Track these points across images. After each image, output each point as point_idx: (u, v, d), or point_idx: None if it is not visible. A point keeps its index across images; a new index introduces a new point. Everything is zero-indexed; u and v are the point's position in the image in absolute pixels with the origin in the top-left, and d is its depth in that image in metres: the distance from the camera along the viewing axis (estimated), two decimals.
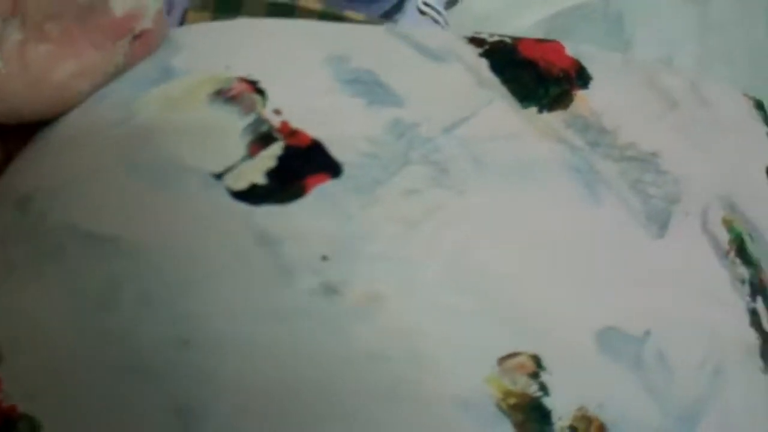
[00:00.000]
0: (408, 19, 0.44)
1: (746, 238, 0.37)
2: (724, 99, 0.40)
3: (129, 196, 0.28)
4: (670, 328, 0.32)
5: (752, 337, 0.35)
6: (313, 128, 0.31)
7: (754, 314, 0.36)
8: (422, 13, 0.45)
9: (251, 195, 0.28)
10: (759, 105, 0.42)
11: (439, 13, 0.46)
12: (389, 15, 0.44)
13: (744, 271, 0.36)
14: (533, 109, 0.35)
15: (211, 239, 0.28)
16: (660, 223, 0.34)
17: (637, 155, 0.35)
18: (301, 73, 0.33)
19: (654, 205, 0.34)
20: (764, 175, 0.40)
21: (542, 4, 0.48)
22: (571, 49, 0.38)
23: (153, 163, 0.28)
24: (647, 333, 0.31)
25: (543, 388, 0.28)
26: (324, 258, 0.29)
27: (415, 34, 0.36)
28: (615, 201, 0.34)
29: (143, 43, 0.29)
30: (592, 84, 0.37)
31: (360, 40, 0.35)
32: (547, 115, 0.35)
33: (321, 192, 0.29)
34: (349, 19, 0.40)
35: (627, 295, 0.32)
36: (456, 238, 0.30)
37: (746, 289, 0.36)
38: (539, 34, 0.48)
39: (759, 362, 0.35)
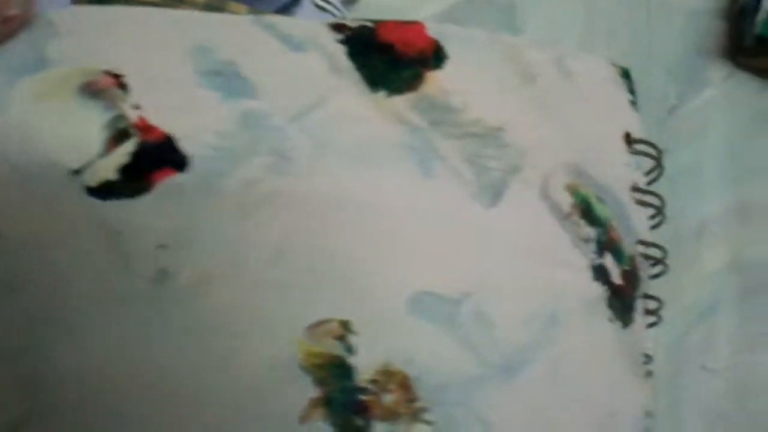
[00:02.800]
0: (305, 14, 0.47)
1: (593, 201, 0.41)
2: (589, 70, 0.44)
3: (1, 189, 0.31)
4: (493, 288, 0.35)
5: (597, 291, 0.39)
6: (167, 123, 0.33)
7: (600, 269, 0.39)
8: (322, 9, 0.49)
9: (104, 191, 0.31)
10: (625, 74, 0.45)
11: (337, 9, 0.49)
12: (287, 9, 0.47)
13: (590, 231, 0.40)
14: (382, 93, 0.38)
15: (62, 234, 0.31)
16: (493, 192, 0.37)
17: (480, 131, 0.39)
18: (164, 66, 0.35)
19: (490, 176, 0.38)
20: (621, 140, 0.44)
21: None
22: (433, 29, 0.40)
23: (22, 157, 0.31)
24: (466, 294, 0.34)
25: (348, 348, 0.32)
26: (161, 247, 0.32)
27: (281, 23, 0.38)
28: (448, 175, 0.37)
29: (9, 28, 0.31)
30: (448, 63, 0.40)
31: (226, 31, 0.37)
32: (395, 99, 0.38)
33: (166, 186, 0.32)
34: (232, 11, 0.42)
35: (448, 261, 0.35)
36: (289, 221, 0.33)
37: (591, 246, 0.40)
38: None
39: (606, 312, 0.39)
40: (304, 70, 0.37)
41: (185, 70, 0.35)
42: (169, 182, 0.33)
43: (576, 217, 0.39)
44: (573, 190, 0.39)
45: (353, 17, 0.50)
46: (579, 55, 0.44)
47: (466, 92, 0.39)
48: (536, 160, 0.39)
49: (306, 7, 0.49)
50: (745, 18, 0.49)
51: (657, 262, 0.42)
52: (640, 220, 0.42)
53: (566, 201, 0.39)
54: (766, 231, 0.48)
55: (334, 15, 0.49)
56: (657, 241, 0.47)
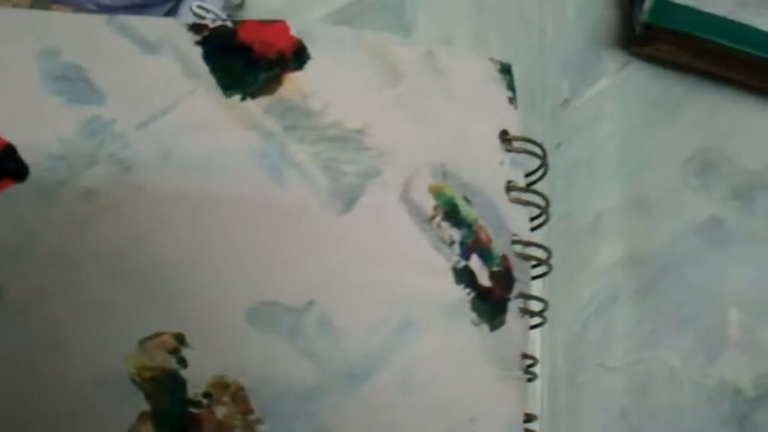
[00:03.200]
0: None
1: (459, 202, 0.40)
2: (462, 66, 0.43)
3: None
4: (339, 296, 0.35)
5: (459, 294, 0.38)
6: (10, 132, 0.33)
7: (464, 272, 0.39)
8: (200, 17, 0.48)
9: None
10: (505, 69, 0.44)
11: (218, 17, 0.48)
12: None
13: (454, 233, 0.39)
14: (236, 98, 0.37)
15: None
16: (347, 198, 0.37)
17: (338, 134, 0.38)
18: (11, 73, 0.34)
19: (345, 182, 0.37)
20: (496, 138, 0.43)
21: None
22: (297, 29, 0.39)
23: None
24: (311, 303, 0.34)
25: (181, 361, 0.32)
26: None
27: (137, 24, 0.37)
28: (299, 182, 0.36)
29: None
30: (309, 64, 0.39)
31: (77, 33, 0.36)
32: (249, 103, 0.37)
33: (3, 197, 0.32)
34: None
35: (292, 270, 0.34)
36: (126, 233, 0.33)
37: (455, 249, 0.39)
38: None
39: (470, 315, 0.39)
40: (156, 74, 0.36)
41: (30, 75, 0.34)
42: (6, 193, 0.32)
43: (439, 220, 0.38)
44: (437, 192, 0.39)
45: None
46: (453, 52, 0.44)
47: (326, 94, 0.38)
48: (398, 163, 0.38)
49: (184, 17, 0.48)
50: (634, 6, 0.48)
51: (540, 262, 0.42)
52: (517, 219, 0.41)
53: (429, 203, 0.38)
54: (661, 223, 0.47)
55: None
56: (551, 238, 0.46)
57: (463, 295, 0.38)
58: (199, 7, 0.48)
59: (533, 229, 0.43)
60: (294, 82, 0.38)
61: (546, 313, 0.43)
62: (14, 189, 0.32)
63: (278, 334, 0.33)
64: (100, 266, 0.32)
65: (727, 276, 0.47)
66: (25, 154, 0.33)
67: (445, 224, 0.38)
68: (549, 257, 0.43)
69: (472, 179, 0.40)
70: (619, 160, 0.49)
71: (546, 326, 0.45)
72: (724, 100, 0.51)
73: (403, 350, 0.35)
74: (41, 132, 0.33)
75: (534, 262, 0.42)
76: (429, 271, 0.37)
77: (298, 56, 0.38)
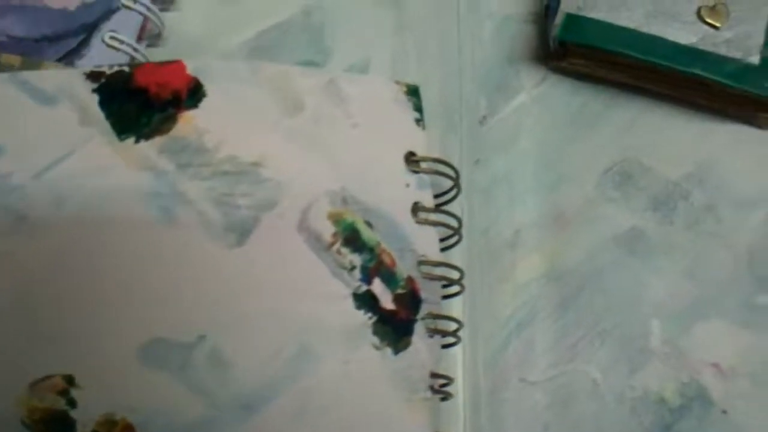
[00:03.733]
0: (96, 54, 0.47)
1: (360, 227, 0.40)
2: (365, 92, 0.43)
3: None
4: (231, 329, 0.36)
5: (359, 319, 0.39)
6: None
7: (365, 297, 0.39)
8: (114, 48, 0.48)
9: None
10: (412, 91, 0.45)
11: (134, 48, 0.49)
12: (78, 51, 0.47)
13: (354, 258, 0.40)
14: (131, 140, 0.38)
15: None
16: (241, 231, 0.37)
17: (233, 169, 0.39)
18: None
19: (239, 215, 0.38)
20: (401, 160, 0.43)
21: (246, 24, 0.52)
22: (193, 67, 0.41)
23: None
24: (201, 337, 0.35)
25: (71, 402, 0.33)
26: None
27: (35, 78, 0.39)
28: (191, 218, 0.37)
29: None
30: (205, 102, 0.40)
31: None
32: (143, 144, 0.38)
33: None
34: (2, 63, 0.42)
35: (183, 306, 0.35)
36: (21, 281, 0.34)
37: (356, 274, 0.39)
38: (244, 55, 0.52)
39: (371, 339, 0.39)
40: (53, 125, 0.37)
41: None
42: None
43: (338, 246, 0.39)
44: (336, 218, 0.39)
45: (156, 55, 0.49)
46: (356, 78, 0.44)
47: (222, 130, 0.39)
48: (295, 192, 0.39)
49: (96, 48, 0.48)
50: (548, 22, 0.48)
51: (452, 282, 0.42)
52: (425, 239, 0.41)
53: (328, 230, 0.39)
54: (580, 236, 0.47)
55: (128, 54, 0.48)
56: (471, 255, 0.46)
57: (363, 319, 0.38)
58: (112, 38, 0.48)
59: (447, 248, 0.44)
60: (189, 120, 0.39)
61: (465, 331, 0.43)
62: None
63: (168, 370, 0.34)
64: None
65: (648, 286, 0.48)
66: None
67: (345, 250, 0.39)
68: (461, 277, 0.43)
69: (375, 203, 0.40)
70: (537, 175, 0.49)
71: (467, 344, 0.45)
72: (641, 112, 0.51)
73: (300, 378, 0.35)
74: None
75: (445, 282, 0.42)
76: (327, 298, 0.37)
77: (193, 94, 0.39)
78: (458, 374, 0.44)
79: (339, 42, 0.52)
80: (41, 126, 0.37)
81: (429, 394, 0.39)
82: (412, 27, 0.52)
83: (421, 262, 0.41)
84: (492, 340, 0.47)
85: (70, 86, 0.38)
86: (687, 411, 0.46)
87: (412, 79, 0.46)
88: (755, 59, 0.47)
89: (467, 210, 0.48)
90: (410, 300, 0.40)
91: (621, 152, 0.50)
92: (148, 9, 0.51)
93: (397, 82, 0.44)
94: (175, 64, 0.40)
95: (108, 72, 0.39)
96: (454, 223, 0.43)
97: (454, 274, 0.42)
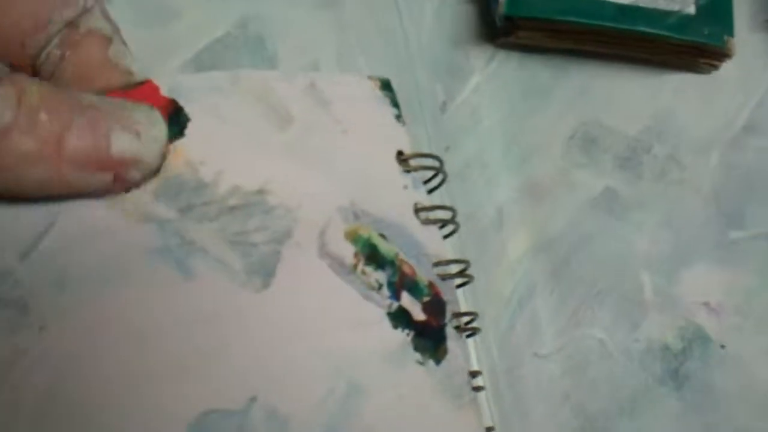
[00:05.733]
0: None
1: (376, 241, 0.38)
2: (344, 93, 0.40)
3: None
4: (278, 382, 0.32)
5: (399, 338, 0.37)
6: None
7: (399, 314, 0.37)
8: None
9: None
10: (385, 86, 0.42)
11: None
12: None
13: (379, 276, 0.37)
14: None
15: None
16: (264, 272, 0.33)
17: (239, 202, 0.35)
18: None
19: (257, 254, 0.34)
20: (394, 161, 0.42)
21: (186, 43, 0.49)
22: (166, 87, 0.35)
23: None
24: (252, 399, 0.31)
25: None
26: None
27: None
28: (209, 269, 0.33)
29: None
30: (190, 127, 0.35)
31: None
32: (135, 193, 0.33)
33: None
34: None
35: (225, 369, 0.31)
36: (42, 381, 0.29)
37: (385, 292, 0.37)
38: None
39: (414, 356, 0.37)
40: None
41: None
42: None
43: (362, 266, 0.36)
44: (353, 236, 0.37)
45: None
46: (333, 78, 0.42)
47: (217, 158, 0.35)
48: (307, 216, 0.36)
49: None
50: None
51: (461, 274, 0.41)
52: (432, 239, 0.40)
53: (348, 251, 0.36)
54: (559, 205, 0.48)
55: None
56: (462, 242, 0.46)
57: (403, 338, 0.37)
58: None
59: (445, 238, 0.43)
60: (178, 153, 0.34)
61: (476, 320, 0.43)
62: None
63: None
64: (27, 421, 0.29)
65: (631, 243, 0.49)
66: None
67: (368, 269, 0.37)
68: (468, 266, 0.43)
69: (383, 212, 0.39)
70: (506, 152, 0.50)
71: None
72: (591, 76, 0.52)
73: (357, 414, 0.33)
74: None
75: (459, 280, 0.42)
76: (364, 325, 0.35)
77: (175, 120, 0.35)
78: (477, 367, 0.44)
79: (282, 49, 0.50)
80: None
81: (473, 394, 0.39)
82: (354, 23, 0.51)
83: (435, 264, 0.40)
84: (499, 321, 0.47)
85: None
86: (689, 352, 0.48)
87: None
88: (691, 9, 0.49)
89: (448, 198, 0.48)
90: (437, 306, 0.39)
91: (580, 117, 0.51)
92: None
93: (370, 78, 0.42)
94: (146, 86, 0.35)
95: None
96: (448, 215, 0.42)
97: (460, 267, 0.41)
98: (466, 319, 0.41)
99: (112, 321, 0.31)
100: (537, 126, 0.51)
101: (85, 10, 0.34)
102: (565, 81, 0.52)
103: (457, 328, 0.40)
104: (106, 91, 0.34)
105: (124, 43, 0.36)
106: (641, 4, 0.49)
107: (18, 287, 0.30)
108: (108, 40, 0.35)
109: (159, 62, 0.49)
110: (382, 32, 0.52)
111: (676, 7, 0.49)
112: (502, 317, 0.47)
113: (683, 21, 0.49)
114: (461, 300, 0.45)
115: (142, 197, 0.33)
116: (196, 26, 0.50)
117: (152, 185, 0.33)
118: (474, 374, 0.40)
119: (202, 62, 0.49)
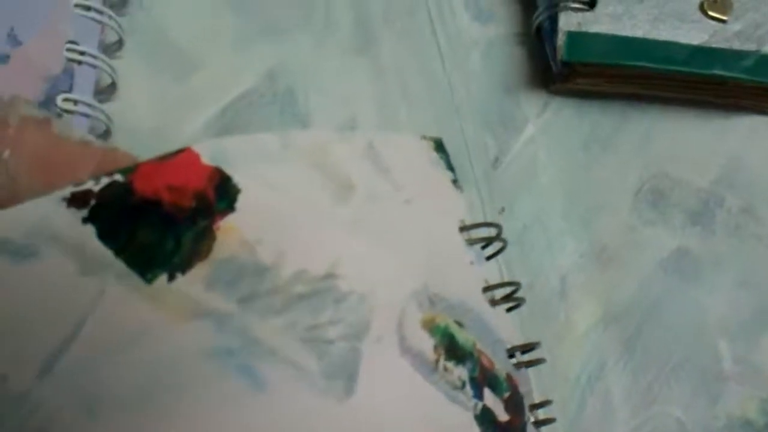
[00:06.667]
0: None
1: (454, 331, 0.33)
2: (402, 156, 0.35)
3: None
4: None
5: None
6: None
7: (484, 415, 0.33)
8: (66, 111, 0.39)
9: None
10: (438, 147, 0.38)
11: (91, 106, 0.40)
12: None
13: (461, 372, 0.31)
14: (162, 279, 0.27)
15: None
16: (346, 375, 0.28)
17: (307, 290, 0.29)
18: None
19: (335, 354, 0.28)
20: (458, 234, 0.37)
21: (205, 101, 0.45)
22: (208, 153, 0.30)
23: None
24: None
25: None
26: None
27: None
28: (283, 374, 0.27)
29: None
30: (241, 200, 0.29)
31: None
32: (181, 281, 0.27)
33: None
34: None
35: None
36: None
37: (468, 391, 0.32)
38: (214, 136, 0.44)
39: None
40: (41, 290, 0.26)
41: None
42: None
43: (443, 361, 0.32)
44: (430, 327, 0.32)
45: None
46: (390, 138, 0.37)
47: (275, 236, 0.29)
48: (382, 304, 0.31)
49: None
50: (545, 43, 0.44)
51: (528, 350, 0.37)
52: (503, 322, 0.36)
53: (428, 345, 0.31)
54: (627, 270, 0.44)
55: (87, 115, 0.39)
56: (522, 316, 0.42)
57: None
58: (66, 100, 0.39)
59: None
60: (230, 231, 0.29)
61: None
62: None
63: None
64: None
65: (707, 308, 0.45)
66: None
67: (449, 364, 0.32)
68: (538, 346, 0.39)
69: (455, 295, 0.34)
70: (567, 211, 0.45)
71: None
72: (654, 121, 0.48)
73: None
74: None
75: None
76: (454, 431, 0.31)
77: (223, 193, 0.29)
78: None
79: (315, 104, 0.45)
80: (22, 300, 0.26)
81: None
82: (392, 69, 0.46)
83: (510, 352, 0.36)
84: (567, 404, 0.42)
85: (47, 226, 0.27)
86: None
87: (405, 129, 0.40)
88: None
89: (504, 266, 0.44)
90: (517, 401, 0.35)
91: (645, 168, 0.47)
92: (93, 107, 0.43)
93: (423, 138, 0.38)
94: (185, 155, 0.29)
95: (95, 189, 0.28)
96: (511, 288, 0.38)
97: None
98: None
99: None
100: (599, 180, 0.46)
101: (7, 104, 0.32)
102: (627, 129, 0.47)
103: (537, 423, 0.36)
104: (138, 165, 0.29)
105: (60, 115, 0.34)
106: (714, 45, 0.44)
107: (37, 412, 0.25)
108: (45, 120, 0.32)
109: (182, 122, 0.44)
110: (424, 77, 0.47)
111: (752, 47, 0.44)
112: (569, 399, 0.43)
113: (760, 61, 0.44)
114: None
115: (189, 288, 0.27)
116: (217, 81, 0.45)
117: (201, 271, 0.28)
118: None
119: (227, 123, 0.44)
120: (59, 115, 0.40)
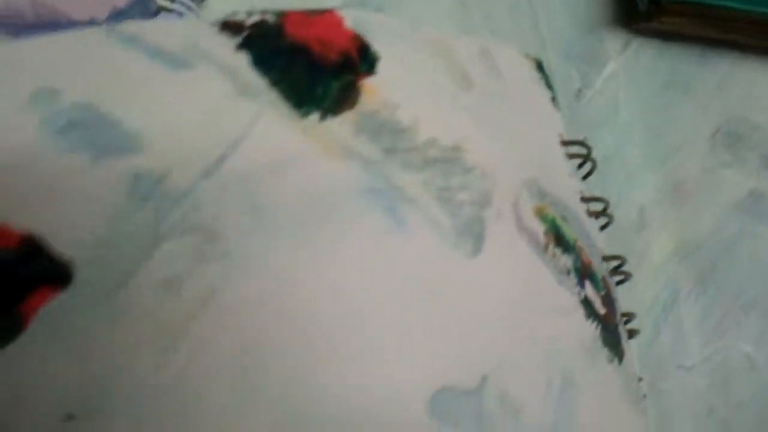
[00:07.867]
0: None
1: (560, 223, 0.34)
2: (513, 66, 0.36)
3: None
4: (507, 363, 0.28)
5: (591, 330, 0.33)
6: (22, 217, 0.22)
7: (586, 304, 0.34)
8: (163, 8, 0.39)
9: None
10: (539, 66, 0.39)
11: (188, 7, 0.40)
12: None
13: (567, 260, 0.33)
14: (315, 116, 0.28)
15: None
16: (474, 236, 0.29)
17: (439, 155, 0.30)
18: (2, 129, 0.23)
19: (465, 215, 0.29)
20: (560, 146, 0.38)
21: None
22: (349, 21, 0.31)
23: None
24: (484, 379, 0.27)
25: None
26: (69, 418, 0.21)
27: (147, 30, 0.27)
28: (421, 221, 0.28)
29: None
30: (380, 66, 0.30)
31: (74, 59, 0.25)
32: (332, 122, 0.28)
33: (46, 317, 0.21)
34: None
35: (454, 341, 0.27)
36: (236, 339, 0.23)
37: (573, 278, 0.33)
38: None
39: (604, 353, 0.33)
40: (200, 98, 0.26)
41: (30, 130, 0.23)
42: (49, 311, 0.22)
43: (552, 247, 0.32)
44: (542, 214, 0.33)
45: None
46: (502, 49, 0.38)
47: (410, 104, 0.30)
48: (502, 183, 0.31)
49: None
50: None
51: (617, 270, 0.38)
52: (595, 232, 0.37)
53: (539, 229, 0.32)
54: (704, 206, 0.44)
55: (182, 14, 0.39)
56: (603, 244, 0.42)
57: (593, 330, 0.33)
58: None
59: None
60: (372, 90, 0.29)
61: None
62: (59, 303, 0.22)
63: (465, 426, 0.26)
64: (215, 395, 0.23)
65: None
66: (58, 245, 0.22)
67: (557, 251, 0.33)
68: (624, 263, 0.39)
69: (559, 194, 0.35)
70: (646, 148, 0.46)
71: None
72: (733, 66, 0.48)
73: (574, 411, 0.29)
74: (71, 209, 0.23)
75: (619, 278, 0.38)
76: (562, 312, 0.31)
77: (364, 57, 0.30)
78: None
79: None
80: (182, 101, 0.26)
81: (644, 398, 0.35)
82: (477, 3, 0.47)
83: (605, 258, 0.36)
84: (642, 329, 0.43)
85: (200, 42, 0.27)
86: None
87: None
88: None
89: (587, 191, 0.44)
90: (610, 301, 0.35)
91: (724, 111, 0.47)
92: (189, 8, 0.43)
93: (527, 56, 0.38)
94: (328, 15, 0.30)
95: (247, 22, 0.28)
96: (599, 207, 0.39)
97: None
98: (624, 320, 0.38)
99: (315, 268, 0.25)
100: (677, 120, 0.47)
101: None
102: (706, 72, 0.48)
103: (628, 332, 0.37)
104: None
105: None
106: None
107: (201, 209, 0.24)
108: None
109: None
110: (509, 13, 0.47)
111: None
112: (644, 325, 0.43)
113: None
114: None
115: (340, 129, 0.28)
116: None
117: (349, 117, 0.28)
118: (641, 380, 0.37)
119: None
120: (156, 12, 0.40)
